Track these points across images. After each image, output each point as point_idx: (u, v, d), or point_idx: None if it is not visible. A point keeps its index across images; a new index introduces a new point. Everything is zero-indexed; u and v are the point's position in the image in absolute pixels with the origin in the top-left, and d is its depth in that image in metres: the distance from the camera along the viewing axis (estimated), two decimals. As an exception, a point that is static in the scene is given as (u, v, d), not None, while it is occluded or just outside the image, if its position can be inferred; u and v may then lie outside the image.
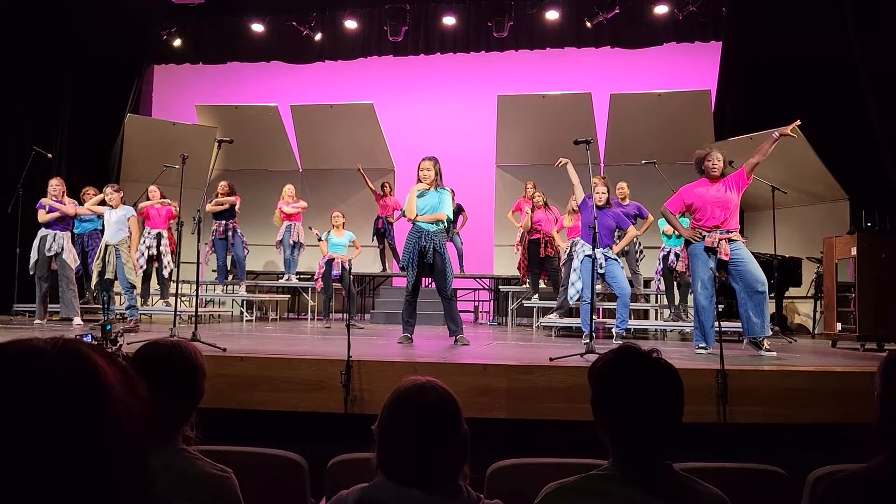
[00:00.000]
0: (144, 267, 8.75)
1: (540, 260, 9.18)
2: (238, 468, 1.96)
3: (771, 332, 5.55)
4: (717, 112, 10.68)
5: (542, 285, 9.42)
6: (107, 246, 7.23)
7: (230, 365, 4.40)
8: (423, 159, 6.17)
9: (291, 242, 10.32)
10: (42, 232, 7.87)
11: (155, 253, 8.95)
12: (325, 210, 11.85)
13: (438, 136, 11.80)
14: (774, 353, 5.36)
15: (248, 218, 10.51)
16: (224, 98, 12.36)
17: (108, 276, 7.15)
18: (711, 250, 5.49)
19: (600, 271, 6.61)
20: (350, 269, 7.89)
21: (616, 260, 6.78)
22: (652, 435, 1.66)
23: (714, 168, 5.64)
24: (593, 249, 5.73)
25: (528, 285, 9.52)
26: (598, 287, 7.01)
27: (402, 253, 6.25)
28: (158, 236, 8.99)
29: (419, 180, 6.13)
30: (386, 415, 1.75)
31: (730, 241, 5.49)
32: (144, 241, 8.83)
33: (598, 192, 6.75)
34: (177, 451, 1.89)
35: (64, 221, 7.99)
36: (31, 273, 7.89)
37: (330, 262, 8.78)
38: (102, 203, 7.55)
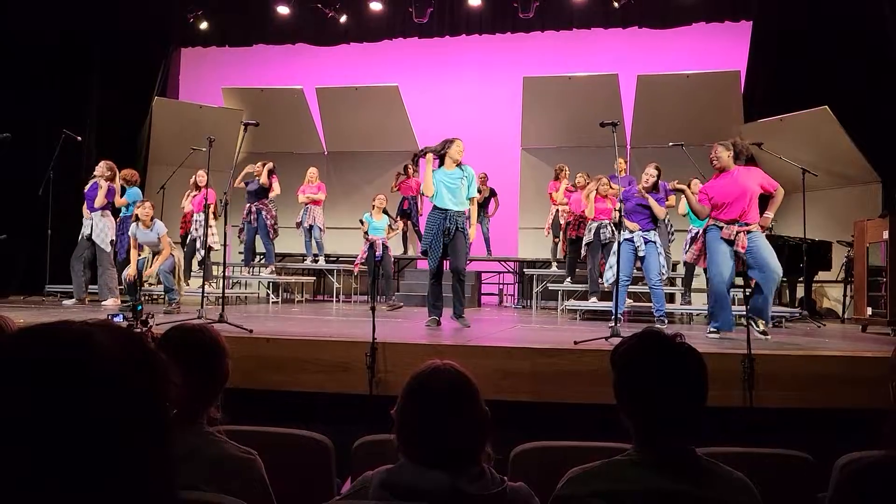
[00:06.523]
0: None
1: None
2: (265, 449, 1.99)
3: (761, 324, 5.44)
4: (747, 93, 10.49)
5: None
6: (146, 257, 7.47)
7: (257, 346, 4.46)
8: (458, 140, 6.21)
9: (308, 226, 10.39)
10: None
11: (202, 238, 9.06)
12: (351, 192, 11.90)
13: (463, 119, 11.73)
14: (769, 338, 5.33)
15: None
16: (250, 81, 12.40)
17: (151, 281, 7.34)
18: (729, 242, 5.45)
19: (640, 254, 6.59)
20: (387, 248, 7.96)
21: (655, 243, 6.67)
22: (675, 419, 1.65)
23: (712, 161, 5.62)
24: (613, 229, 5.68)
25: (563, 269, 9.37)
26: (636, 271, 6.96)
27: (424, 235, 6.26)
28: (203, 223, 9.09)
29: (452, 159, 6.13)
30: (402, 399, 1.77)
31: (748, 232, 5.44)
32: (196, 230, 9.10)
33: (646, 174, 6.75)
34: (202, 434, 1.92)
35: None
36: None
37: (371, 246, 8.89)
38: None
